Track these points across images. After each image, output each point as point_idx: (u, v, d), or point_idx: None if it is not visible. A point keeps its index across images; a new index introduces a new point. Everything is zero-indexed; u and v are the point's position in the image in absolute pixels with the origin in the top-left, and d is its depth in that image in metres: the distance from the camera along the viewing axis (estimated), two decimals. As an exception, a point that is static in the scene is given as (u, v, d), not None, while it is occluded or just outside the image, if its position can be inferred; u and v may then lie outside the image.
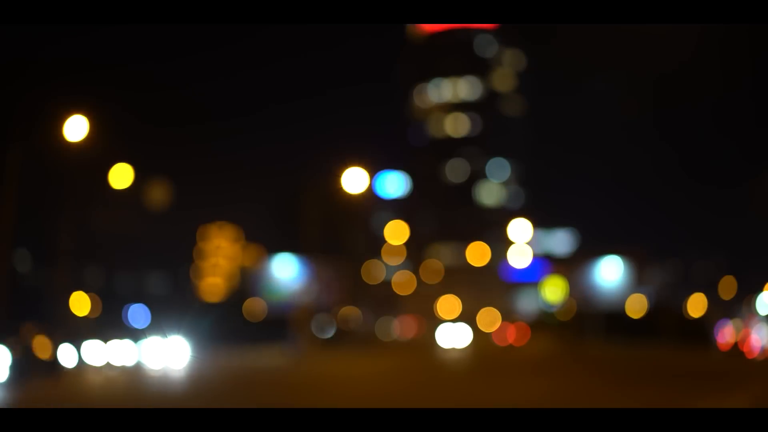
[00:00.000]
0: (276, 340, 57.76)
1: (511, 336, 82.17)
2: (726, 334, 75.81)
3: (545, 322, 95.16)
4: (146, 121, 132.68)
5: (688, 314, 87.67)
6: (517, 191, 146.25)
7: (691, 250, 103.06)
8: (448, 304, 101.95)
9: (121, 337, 40.06)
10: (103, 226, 65.62)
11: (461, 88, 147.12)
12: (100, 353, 37.21)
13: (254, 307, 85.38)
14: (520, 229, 77.15)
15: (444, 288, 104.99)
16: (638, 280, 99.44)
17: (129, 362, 37.83)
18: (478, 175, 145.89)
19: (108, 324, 48.00)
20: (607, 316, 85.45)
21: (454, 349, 55.43)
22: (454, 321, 78.76)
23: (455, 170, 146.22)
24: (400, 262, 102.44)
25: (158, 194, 74.38)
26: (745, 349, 56.38)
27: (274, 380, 31.97)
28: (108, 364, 36.81)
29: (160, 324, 44.21)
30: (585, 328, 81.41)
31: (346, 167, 36.59)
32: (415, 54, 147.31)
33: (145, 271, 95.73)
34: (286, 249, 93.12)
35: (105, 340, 38.61)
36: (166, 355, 38.69)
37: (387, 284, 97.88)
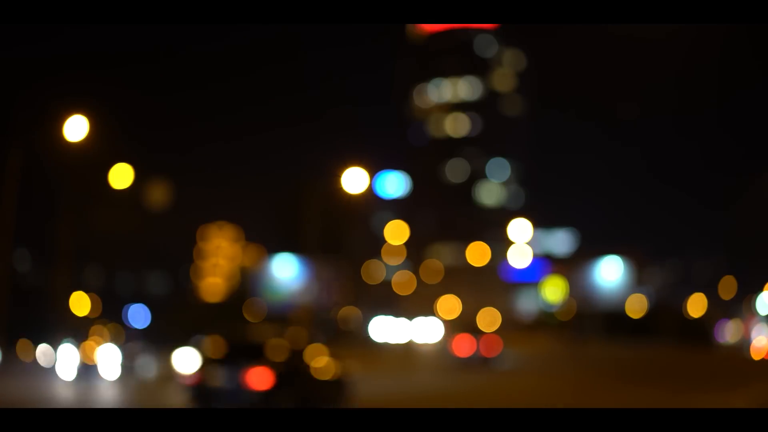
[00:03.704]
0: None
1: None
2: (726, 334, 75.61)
3: (545, 322, 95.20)
4: (147, 121, 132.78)
5: (688, 314, 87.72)
6: (517, 191, 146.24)
7: (691, 250, 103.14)
8: (448, 304, 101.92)
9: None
10: (103, 226, 65.62)
11: (461, 88, 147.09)
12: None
13: (254, 307, 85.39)
14: (520, 229, 77.05)
15: (444, 288, 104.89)
16: (638, 280, 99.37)
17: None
18: (478, 175, 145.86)
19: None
20: (607, 316, 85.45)
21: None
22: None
23: (455, 170, 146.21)
24: (400, 262, 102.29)
25: (158, 194, 74.38)
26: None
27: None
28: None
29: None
30: (585, 328, 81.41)
31: (346, 167, 36.46)
32: (415, 54, 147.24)
33: (145, 271, 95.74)
34: (286, 249, 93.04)
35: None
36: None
37: (387, 284, 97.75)
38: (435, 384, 32.32)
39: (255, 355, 20.32)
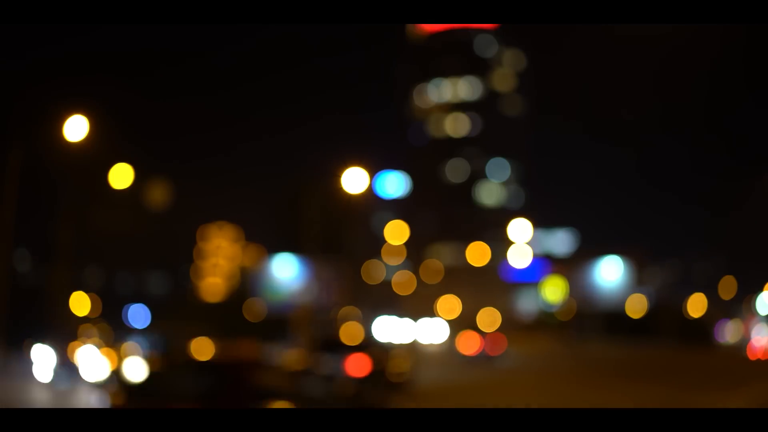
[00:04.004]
0: (276, 340, 57.68)
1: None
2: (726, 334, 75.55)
3: (545, 322, 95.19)
4: (147, 121, 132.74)
5: (688, 314, 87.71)
6: (517, 191, 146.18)
7: (691, 250, 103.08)
8: (448, 304, 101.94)
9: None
10: (103, 226, 65.64)
11: (461, 88, 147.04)
12: None
13: (254, 307, 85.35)
14: (520, 229, 77.09)
15: (444, 288, 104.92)
16: (638, 280, 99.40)
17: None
18: (478, 175, 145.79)
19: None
20: (607, 316, 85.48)
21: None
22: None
23: (455, 170, 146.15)
24: (400, 262, 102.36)
25: (158, 194, 74.41)
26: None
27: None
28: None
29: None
30: (585, 328, 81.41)
31: (346, 167, 36.45)
32: (415, 54, 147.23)
33: (145, 271, 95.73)
34: (286, 249, 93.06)
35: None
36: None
37: (387, 284, 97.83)
38: (447, 380, 32.75)
39: (352, 346, 24.68)
